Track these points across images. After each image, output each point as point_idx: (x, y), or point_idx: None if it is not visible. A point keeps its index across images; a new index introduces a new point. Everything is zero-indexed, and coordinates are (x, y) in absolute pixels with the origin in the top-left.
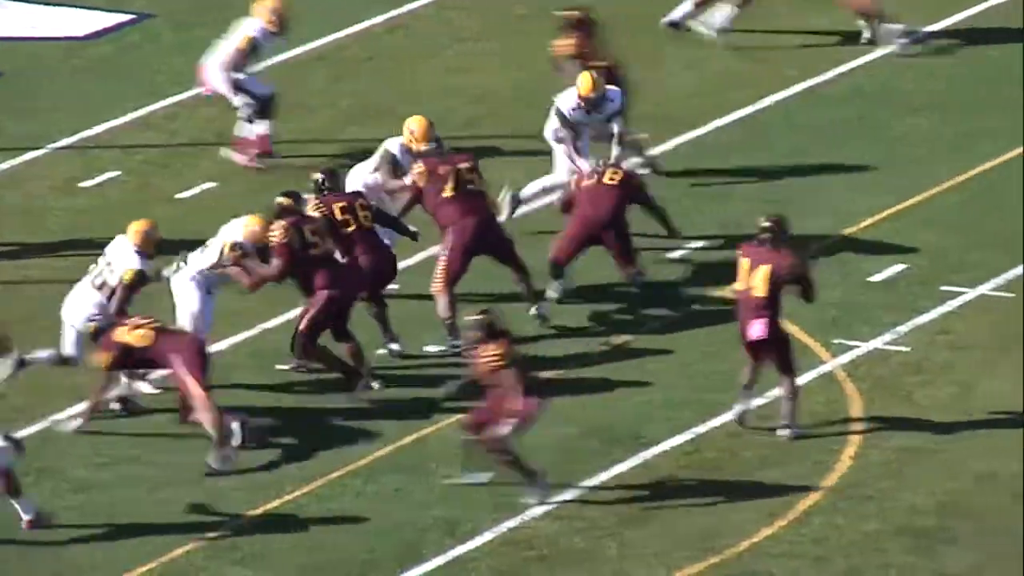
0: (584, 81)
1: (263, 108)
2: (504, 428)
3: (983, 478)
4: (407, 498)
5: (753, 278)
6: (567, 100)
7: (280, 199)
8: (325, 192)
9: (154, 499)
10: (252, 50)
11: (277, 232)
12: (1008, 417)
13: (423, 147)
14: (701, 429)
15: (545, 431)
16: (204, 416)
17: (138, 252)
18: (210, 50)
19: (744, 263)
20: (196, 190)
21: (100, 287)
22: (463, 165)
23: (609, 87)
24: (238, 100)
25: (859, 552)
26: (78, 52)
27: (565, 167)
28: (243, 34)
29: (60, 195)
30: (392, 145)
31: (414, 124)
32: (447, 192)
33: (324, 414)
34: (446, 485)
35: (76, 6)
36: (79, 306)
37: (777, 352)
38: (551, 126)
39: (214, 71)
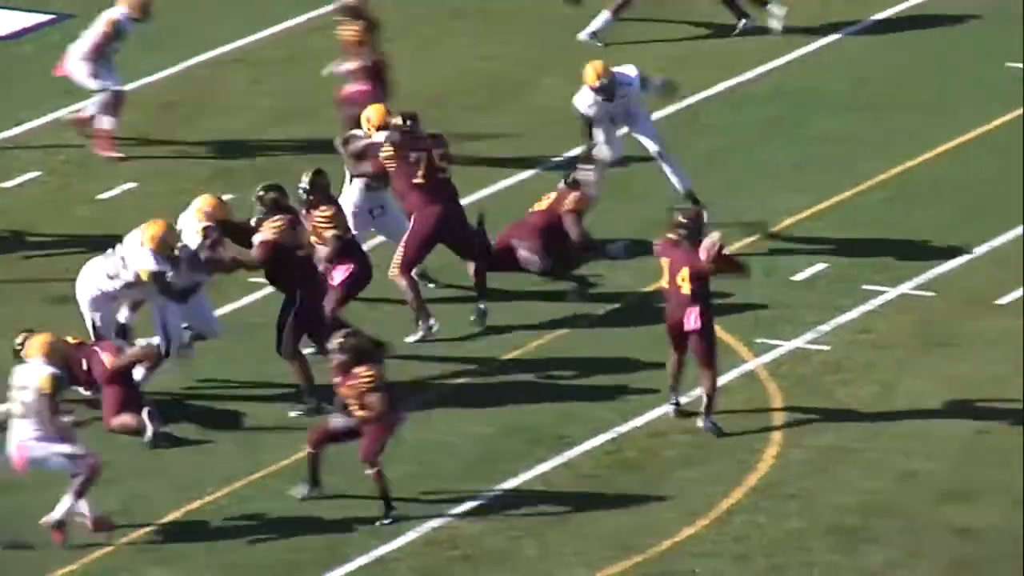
0: (588, 71)
1: (115, 102)
2: (371, 443)
3: (904, 476)
4: (330, 498)
5: (677, 277)
6: (583, 99)
7: (269, 194)
8: (313, 196)
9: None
10: (116, 34)
11: (273, 228)
12: (929, 416)
13: (381, 133)
14: (623, 428)
15: (467, 431)
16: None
17: (153, 253)
18: (76, 40)
19: (664, 262)
20: (117, 191)
21: (113, 277)
22: (435, 151)
23: (620, 70)
24: (95, 85)
25: (781, 551)
26: None
27: (605, 148)
28: (106, 18)
29: None
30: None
31: (371, 112)
32: (416, 179)
33: (246, 414)
34: (368, 485)
35: None
36: (89, 288)
37: (706, 343)
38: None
39: (74, 57)
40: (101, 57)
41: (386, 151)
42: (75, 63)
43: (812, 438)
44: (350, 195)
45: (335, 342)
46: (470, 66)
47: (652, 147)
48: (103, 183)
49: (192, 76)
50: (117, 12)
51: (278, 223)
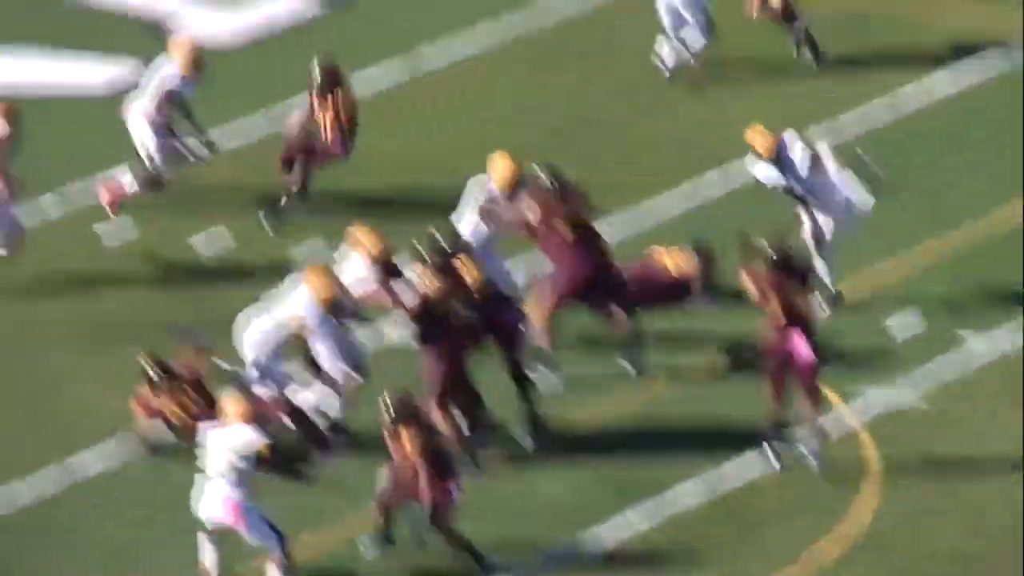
0: (755, 137)
1: (155, 177)
2: (431, 508)
3: (999, 531)
4: (424, 547)
5: (795, 303)
6: (762, 171)
7: (443, 253)
8: (450, 250)
9: (175, 543)
10: (172, 101)
11: (430, 284)
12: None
13: (512, 188)
14: (717, 479)
15: (560, 478)
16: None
17: (320, 307)
18: (137, 93)
19: (771, 294)
20: (210, 235)
21: (280, 328)
22: (577, 206)
23: (785, 136)
24: (146, 149)
25: None
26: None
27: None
28: (162, 87)
29: (81, 245)
30: (482, 183)
31: (503, 168)
32: (563, 234)
33: (351, 457)
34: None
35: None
36: (250, 335)
37: (814, 367)
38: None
39: (137, 117)
40: (162, 121)
41: (532, 207)
42: (140, 126)
43: (906, 490)
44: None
45: (384, 399)
46: (565, 110)
47: (810, 229)
48: (196, 229)
49: (258, 125)
50: (171, 78)
51: (440, 279)
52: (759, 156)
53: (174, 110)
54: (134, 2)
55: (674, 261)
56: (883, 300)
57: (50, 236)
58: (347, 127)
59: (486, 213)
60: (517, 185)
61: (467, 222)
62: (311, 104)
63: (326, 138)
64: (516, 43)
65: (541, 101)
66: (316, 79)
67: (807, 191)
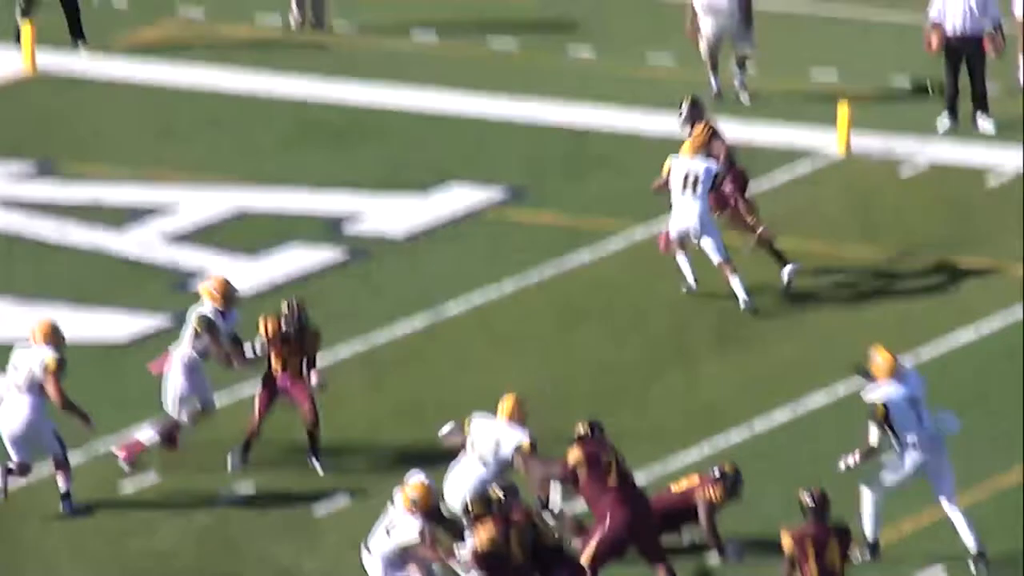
0: (881, 356)
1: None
2: None
3: None
4: None
5: (831, 562)
6: (891, 390)
7: (496, 493)
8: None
9: None
10: (207, 329)
11: (488, 537)
12: None
13: (518, 419)
14: None
15: None
16: None
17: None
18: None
19: (809, 549)
20: (237, 483)
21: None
22: (615, 456)
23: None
24: (173, 397)
25: None
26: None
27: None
28: (195, 316)
29: (103, 489)
30: (515, 439)
31: (506, 401)
32: (608, 482)
33: None
34: None
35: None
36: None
37: None
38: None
39: (176, 359)
40: (195, 365)
41: (575, 453)
42: (176, 368)
43: None
44: (475, 472)
45: None
46: (582, 366)
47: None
48: (221, 472)
49: None
50: (205, 309)
51: (493, 532)
52: (878, 375)
53: (207, 343)
54: (158, 255)
55: (690, 484)
56: (909, 552)
57: (73, 481)
58: (296, 369)
59: (524, 461)
60: (521, 416)
61: (489, 468)
62: (267, 339)
63: (280, 374)
64: (540, 291)
65: (563, 350)
66: (284, 319)
67: (919, 414)
